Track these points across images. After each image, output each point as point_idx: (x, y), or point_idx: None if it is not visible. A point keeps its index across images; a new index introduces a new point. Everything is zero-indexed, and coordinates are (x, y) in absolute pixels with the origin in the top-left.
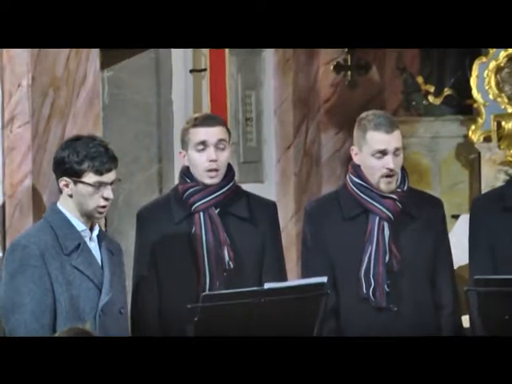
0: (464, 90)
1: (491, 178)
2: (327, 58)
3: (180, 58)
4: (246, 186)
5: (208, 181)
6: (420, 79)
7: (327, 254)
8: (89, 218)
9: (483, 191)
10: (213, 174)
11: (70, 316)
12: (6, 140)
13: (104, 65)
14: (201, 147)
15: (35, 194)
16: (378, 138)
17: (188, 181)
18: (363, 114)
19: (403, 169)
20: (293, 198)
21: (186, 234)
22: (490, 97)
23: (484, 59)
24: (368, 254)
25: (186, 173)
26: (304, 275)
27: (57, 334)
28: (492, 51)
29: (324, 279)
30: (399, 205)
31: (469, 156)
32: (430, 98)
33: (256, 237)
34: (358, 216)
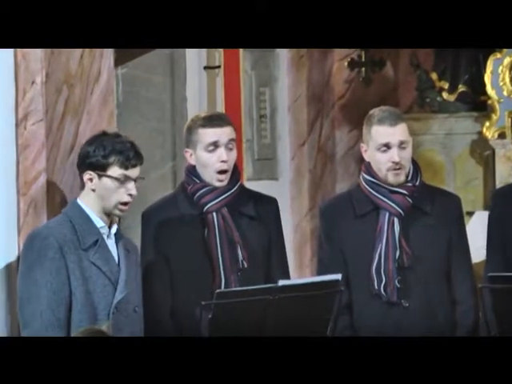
0: (478, 86)
1: (506, 175)
2: (341, 55)
3: (194, 55)
4: (260, 183)
5: (217, 183)
6: (434, 76)
7: (341, 251)
8: (108, 214)
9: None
10: (223, 176)
11: (84, 310)
12: (19, 137)
13: (118, 62)
14: (211, 148)
15: (49, 191)
16: (382, 132)
17: (196, 180)
18: (371, 111)
19: (415, 163)
20: (307, 194)
21: (198, 235)
22: (505, 93)
23: (498, 55)
24: (379, 251)
25: (193, 172)
26: (319, 273)
27: (73, 334)
28: None
29: (338, 276)
30: (409, 200)
31: (483, 153)
32: (444, 95)
33: (264, 235)
34: (370, 213)
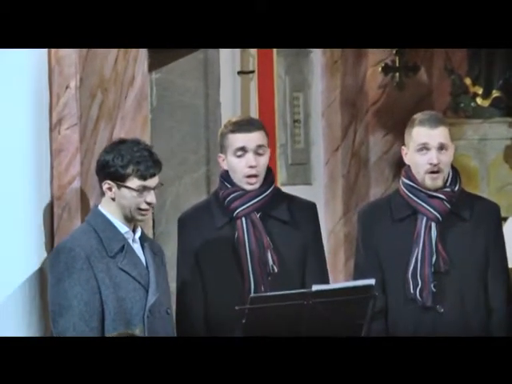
0: None
1: None
2: (375, 60)
3: (228, 60)
4: (294, 188)
5: (248, 187)
6: (468, 81)
7: (377, 256)
8: (131, 220)
9: None
10: (252, 180)
11: (117, 318)
12: (54, 142)
13: (152, 66)
14: (240, 153)
15: (83, 195)
16: (421, 133)
17: (228, 186)
18: (415, 115)
19: (455, 169)
20: (341, 199)
21: (229, 239)
22: None
23: None
24: (415, 255)
25: (226, 177)
26: (356, 277)
27: None
28: None
29: (372, 281)
30: (447, 205)
31: None
32: (478, 100)
33: (298, 239)
34: (408, 217)
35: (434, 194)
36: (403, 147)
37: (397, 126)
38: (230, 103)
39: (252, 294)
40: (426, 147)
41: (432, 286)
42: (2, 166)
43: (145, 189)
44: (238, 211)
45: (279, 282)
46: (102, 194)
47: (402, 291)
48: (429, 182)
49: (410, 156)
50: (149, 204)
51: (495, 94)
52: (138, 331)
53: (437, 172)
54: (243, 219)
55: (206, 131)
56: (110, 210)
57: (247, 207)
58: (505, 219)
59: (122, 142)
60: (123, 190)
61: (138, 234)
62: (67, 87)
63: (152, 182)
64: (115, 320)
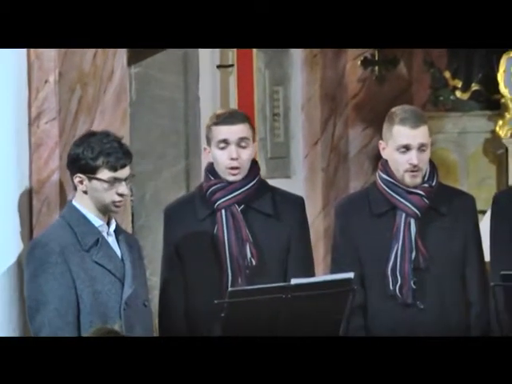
0: (492, 85)
1: None
2: (355, 54)
3: (207, 54)
4: (273, 182)
5: (230, 177)
6: (447, 74)
7: (356, 250)
8: (105, 212)
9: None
10: (234, 171)
11: (93, 311)
12: (33, 136)
13: (131, 61)
14: (222, 145)
15: (62, 190)
16: (403, 133)
17: (212, 178)
18: (393, 109)
19: (432, 164)
20: (320, 193)
21: (209, 232)
22: None
23: (511, 54)
24: (394, 251)
25: (211, 170)
26: (334, 271)
27: (86, 335)
28: None
29: (351, 275)
30: (426, 201)
31: (496, 151)
32: (458, 94)
33: (281, 233)
34: (386, 213)
35: (413, 190)
36: (381, 141)
37: (376, 120)
38: (210, 97)
39: (230, 288)
40: (407, 148)
41: (412, 282)
42: None
43: (116, 180)
44: (218, 203)
45: (258, 275)
46: (75, 188)
47: (382, 287)
48: (408, 179)
49: (388, 152)
50: (121, 195)
51: (474, 87)
52: (117, 326)
53: (416, 171)
54: (223, 211)
55: (185, 125)
56: (83, 204)
57: (228, 199)
58: (483, 212)
59: (91, 134)
60: (94, 182)
61: (113, 227)
62: (46, 81)
63: (123, 173)
64: (91, 313)
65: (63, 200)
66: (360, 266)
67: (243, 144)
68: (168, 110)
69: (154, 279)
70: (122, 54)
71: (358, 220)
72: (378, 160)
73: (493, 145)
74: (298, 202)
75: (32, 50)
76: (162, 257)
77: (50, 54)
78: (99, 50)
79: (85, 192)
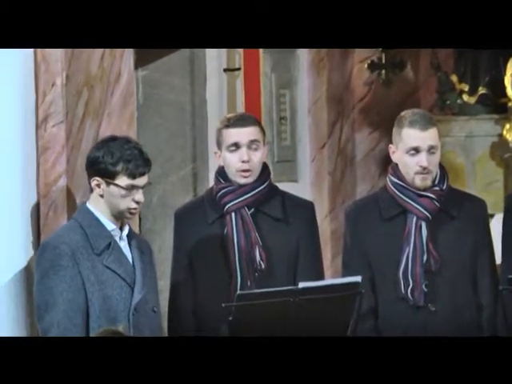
0: (499, 88)
1: None
2: (361, 57)
3: (214, 57)
4: (279, 185)
5: (241, 180)
6: (454, 78)
7: (366, 254)
8: (119, 218)
9: None
10: (246, 174)
11: (102, 315)
12: (40, 139)
13: (138, 64)
14: (233, 148)
15: (69, 193)
16: (412, 135)
17: (222, 181)
18: (403, 113)
19: (442, 167)
20: (327, 197)
21: (218, 235)
22: None
23: None
24: (406, 254)
25: (221, 173)
26: (345, 275)
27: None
28: None
29: (358, 278)
30: (437, 203)
31: (503, 155)
32: (465, 97)
33: (290, 237)
34: (397, 216)
35: (424, 193)
36: (391, 145)
37: (383, 123)
38: (217, 101)
39: (238, 292)
40: (417, 150)
41: (423, 285)
42: None
43: (133, 187)
44: (228, 206)
45: (267, 278)
46: (91, 190)
47: (393, 290)
48: (418, 182)
49: (398, 155)
50: (137, 203)
51: (481, 90)
52: (121, 328)
53: (426, 173)
54: (233, 214)
55: (192, 129)
56: (97, 207)
57: (238, 202)
58: (491, 216)
59: (112, 139)
60: (112, 187)
61: (126, 231)
62: (53, 85)
63: (141, 180)
64: (100, 317)
65: (70, 204)
66: (371, 270)
67: (254, 146)
68: (175, 113)
69: (161, 283)
70: (129, 56)
71: (368, 224)
72: (385, 164)
73: (500, 148)
74: (307, 207)
75: (39, 52)
76: (172, 260)
77: (56, 57)
78: (106, 52)
79: (101, 196)
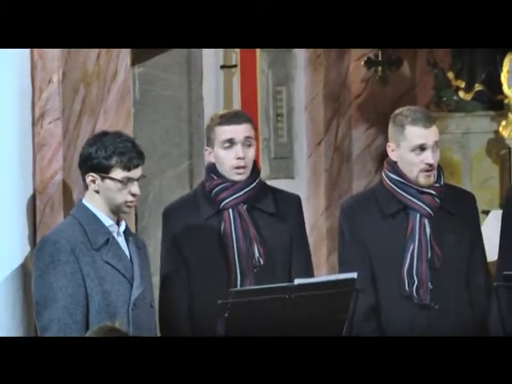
0: (495, 85)
1: None
2: (358, 54)
3: (211, 55)
4: (276, 182)
5: (236, 177)
6: (451, 75)
7: (366, 250)
8: (116, 212)
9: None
10: (241, 170)
11: (102, 311)
12: (36, 136)
13: (135, 61)
14: (228, 145)
15: (66, 190)
16: (417, 133)
17: (215, 178)
18: (398, 111)
19: (438, 164)
20: (323, 193)
21: (215, 231)
22: None
23: None
24: (410, 252)
25: (213, 169)
26: (342, 271)
27: (88, 333)
28: None
29: (354, 275)
30: (438, 200)
31: (500, 151)
32: (461, 94)
33: (284, 231)
34: (397, 213)
35: (425, 189)
36: (389, 144)
37: (379, 120)
38: (213, 97)
39: (233, 288)
40: (422, 147)
41: (429, 283)
42: None
43: (129, 180)
44: (224, 202)
45: (266, 274)
46: (86, 187)
47: (395, 288)
48: (423, 180)
49: (400, 154)
50: (133, 195)
51: (478, 87)
52: (117, 324)
53: (431, 170)
54: (230, 211)
55: (188, 125)
56: (94, 203)
57: (234, 198)
58: (487, 212)
59: (104, 134)
60: (107, 181)
61: (123, 227)
62: (50, 81)
63: (136, 172)
64: (100, 313)
65: (67, 200)
66: (372, 267)
67: (248, 143)
68: (171, 110)
69: (155, 279)
70: (125, 53)
71: (367, 220)
72: (381, 160)
73: (496, 145)
74: (296, 201)
75: (35, 49)
76: (161, 257)
77: (53, 54)
78: (103, 49)
79: (97, 191)
